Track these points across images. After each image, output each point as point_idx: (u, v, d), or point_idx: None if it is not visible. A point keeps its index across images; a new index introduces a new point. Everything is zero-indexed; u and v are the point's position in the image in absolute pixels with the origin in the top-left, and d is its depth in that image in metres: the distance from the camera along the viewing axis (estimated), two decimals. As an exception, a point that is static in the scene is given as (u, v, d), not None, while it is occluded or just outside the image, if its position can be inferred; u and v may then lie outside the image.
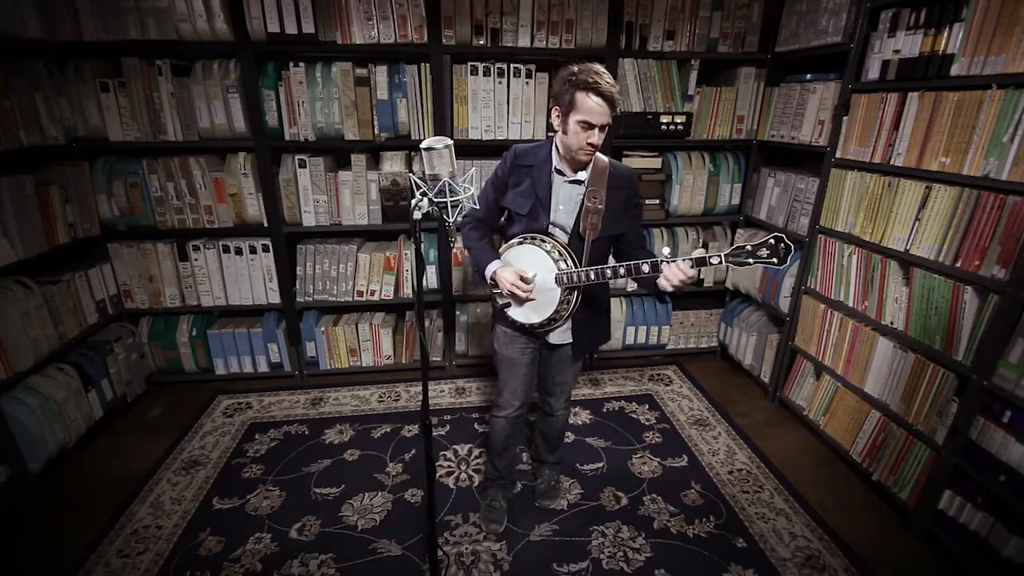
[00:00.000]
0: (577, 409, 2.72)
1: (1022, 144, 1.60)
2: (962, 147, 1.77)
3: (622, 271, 1.53)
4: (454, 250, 2.83)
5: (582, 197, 1.64)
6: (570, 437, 2.50)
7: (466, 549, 1.89)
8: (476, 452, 2.39)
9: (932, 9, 1.84)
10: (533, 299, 1.65)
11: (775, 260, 1.38)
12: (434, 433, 2.48)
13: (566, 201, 1.66)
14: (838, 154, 2.31)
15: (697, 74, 2.74)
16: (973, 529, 1.77)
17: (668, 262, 1.46)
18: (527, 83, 2.60)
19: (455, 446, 2.43)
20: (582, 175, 1.63)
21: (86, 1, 2.28)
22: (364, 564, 1.82)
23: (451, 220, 1.34)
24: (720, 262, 1.40)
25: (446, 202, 1.31)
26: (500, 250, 1.74)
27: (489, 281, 1.70)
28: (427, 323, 3.02)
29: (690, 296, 3.27)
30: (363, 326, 2.92)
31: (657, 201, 2.91)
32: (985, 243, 1.72)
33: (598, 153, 1.64)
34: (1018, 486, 1.62)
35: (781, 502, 2.12)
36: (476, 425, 2.58)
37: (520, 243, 1.67)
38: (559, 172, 1.64)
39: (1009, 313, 1.64)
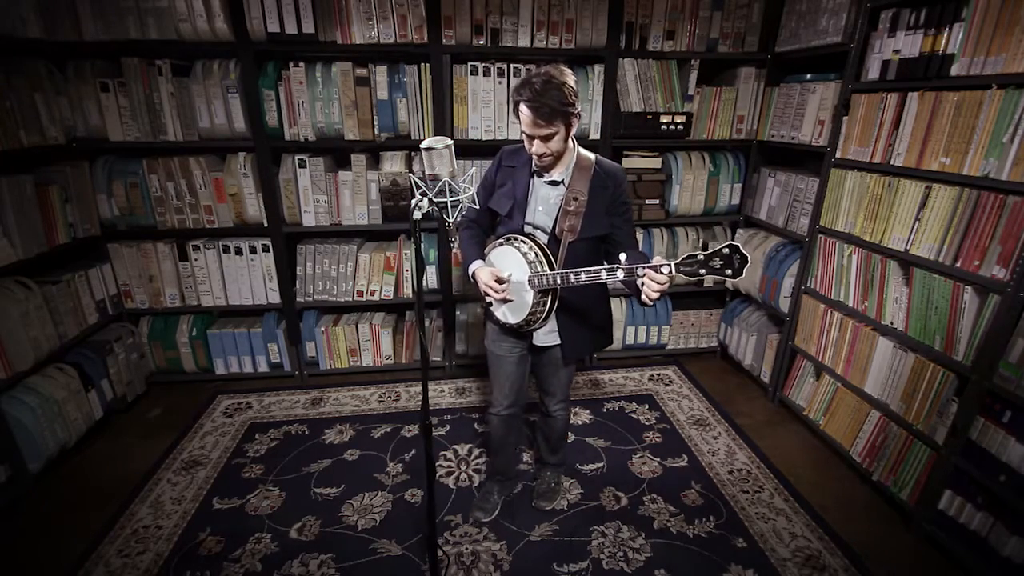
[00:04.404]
0: (577, 409, 2.72)
1: (1022, 144, 1.60)
2: (962, 147, 1.77)
3: (583, 276, 1.45)
4: (454, 250, 2.82)
5: (562, 198, 1.60)
6: (570, 437, 2.50)
7: (466, 549, 1.89)
8: (476, 452, 2.39)
9: (932, 9, 1.84)
10: (511, 299, 1.63)
11: (729, 271, 1.28)
12: (434, 433, 2.48)
13: (545, 202, 1.63)
14: (838, 154, 2.31)
15: (697, 74, 2.74)
16: (973, 529, 1.77)
17: (624, 269, 1.38)
18: (527, 83, 2.60)
19: (455, 446, 2.43)
20: (560, 175, 1.60)
21: (86, 1, 2.28)
22: (364, 564, 1.82)
23: (451, 220, 1.34)
24: (670, 271, 1.32)
25: (446, 202, 1.31)
26: (486, 250, 1.74)
27: (472, 280, 1.70)
28: (427, 323, 3.02)
29: (690, 296, 3.27)
30: (363, 326, 2.92)
31: (657, 201, 2.91)
32: (985, 243, 1.72)
33: (584, 151, 1.62)
34: (1018, 486, 1.62)
35: (781, 502, 2.12)
36: (476, 425, 2.58)
37: (501, 244, 1.66)
38: (538, 174, 1.63)
39: (1009, 313, 1.64)
